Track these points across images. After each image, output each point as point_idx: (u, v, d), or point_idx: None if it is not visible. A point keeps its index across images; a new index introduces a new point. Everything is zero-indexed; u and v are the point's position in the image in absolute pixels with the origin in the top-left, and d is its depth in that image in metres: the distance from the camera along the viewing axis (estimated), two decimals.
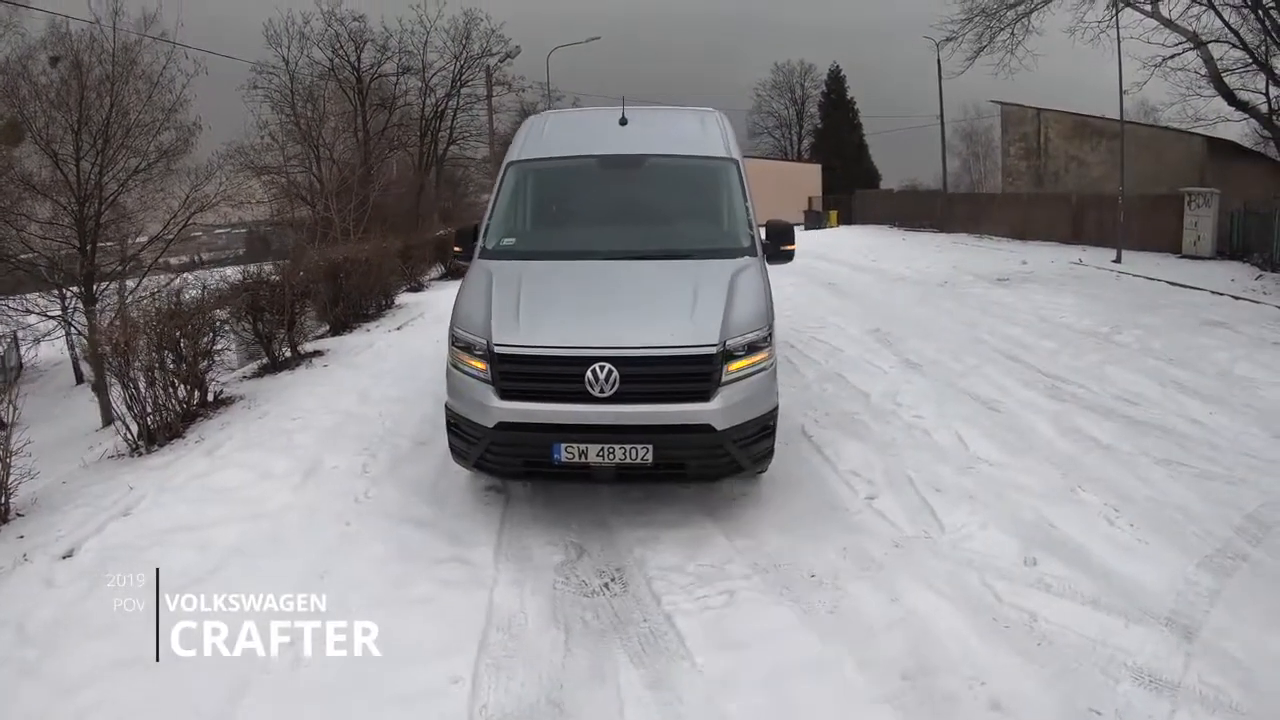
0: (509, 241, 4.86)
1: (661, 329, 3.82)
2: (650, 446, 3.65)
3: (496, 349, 3.80)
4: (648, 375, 3.69)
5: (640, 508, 4.12)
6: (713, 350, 3.72)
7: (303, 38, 26.96)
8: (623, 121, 5.18)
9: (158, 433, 5.84)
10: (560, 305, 4.12)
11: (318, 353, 8.63)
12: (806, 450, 4.94)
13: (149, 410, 5.80)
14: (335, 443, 5.37)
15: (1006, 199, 24.74)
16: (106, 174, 11.10)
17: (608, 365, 3.64)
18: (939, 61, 23.94)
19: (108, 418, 7.54)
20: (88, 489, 5.00)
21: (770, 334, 4.00)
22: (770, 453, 3.98)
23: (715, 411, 3.69)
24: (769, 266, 4.77)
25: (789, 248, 4.80)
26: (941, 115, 31.01)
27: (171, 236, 13.14)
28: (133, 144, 11.37)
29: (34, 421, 7.44)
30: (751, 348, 3.86)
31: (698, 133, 5.18)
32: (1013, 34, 15.85)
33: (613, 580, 3.49)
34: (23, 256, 11.79)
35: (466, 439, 3.96)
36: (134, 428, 5.79)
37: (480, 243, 4.78)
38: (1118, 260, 14.52)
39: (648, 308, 4.03)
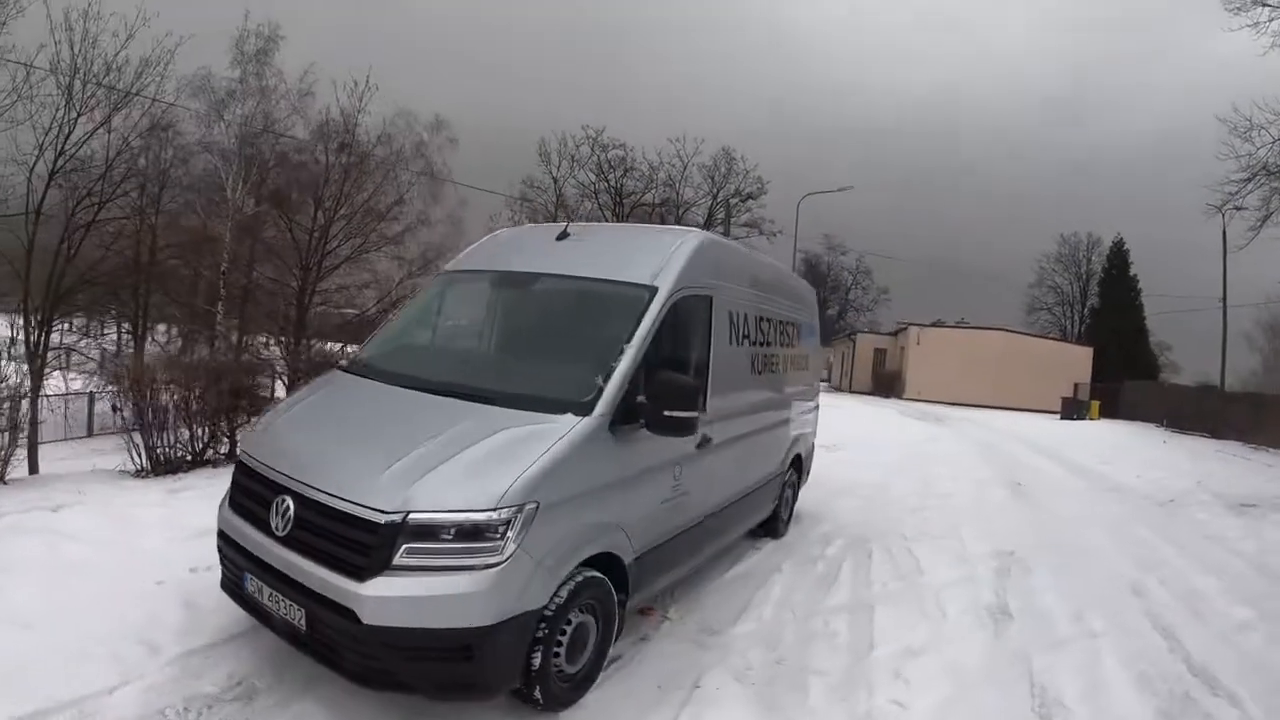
0: (366, 354, 4.14)
1: (349, 475, 2.88)
2: (304, 612, 2.80)
3: (238, 451, 3.45)
4: (316, 524, 2.85)
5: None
6: (381, 518, 2.68)
7: (573, 161, 30.54)
8: (562, 236, 4.30)
9: (157, 466, 6.19)
10: (309, 424, 3.48)
11: None
12: (663, 710, 3.21)
13: (154, 444, 6.13)
14: None
15: None
16: (330, 245, 12.93)
17: (289, 499, 2.95)
18: (1224, 231, 19.15)
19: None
20: (64, 485, 5.65)
21: (511, 521, 2.72)
22: (467, 686, 2.77)
23: (367, 599, 2.62)
24: (656, 437, 3.37)
25: (678, 415, 3.32)
26: (1224, 295, 24.87)
27: (372, 312, 14.83)
28: (357, 227, 13.20)
29: None
30: (466, 533, 2.68)
31: (635, 255, 3.97)
32: None
33: None
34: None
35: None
36: (142, 455, 6.15)
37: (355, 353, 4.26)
38: None
39: (370, 449, 3.06)
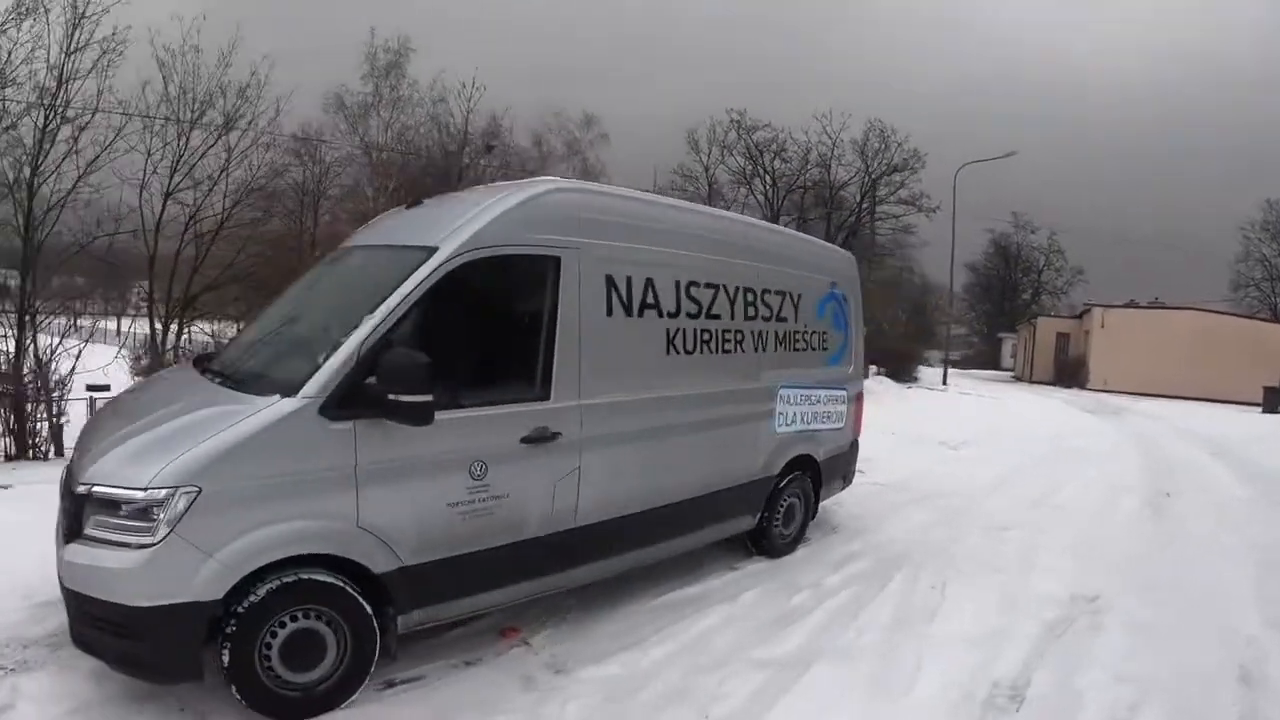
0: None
1: (85, 448, 2.94)
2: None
3: None
4: (63, 493, 2.85)
5: None
6: (78, 488, 2.62)
7: (723, 147, 29.18)
8: (413, 204, 3.91)
9: None
10: (110, 407, 3.64)
11: None
12: None
13: None
14: None
15: None
16: None
17: (67, 469, 2.97)
18: None
19: None
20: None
21: (164, 503, 2.43)
22: (140, 666, 2.58)
23: (63, 561, 2.61)
24: (435, 427, 2.78)
25: (404, 399, 2.67)
26: None
27: None
28: None
29: None
30: (134, 511, 2.45)
31: (452, 215, 3.30)
32: None
33: None
34: None
35: None
36: None
37: None
38: None
39: (111, 426, 2.97)
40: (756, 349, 4.54)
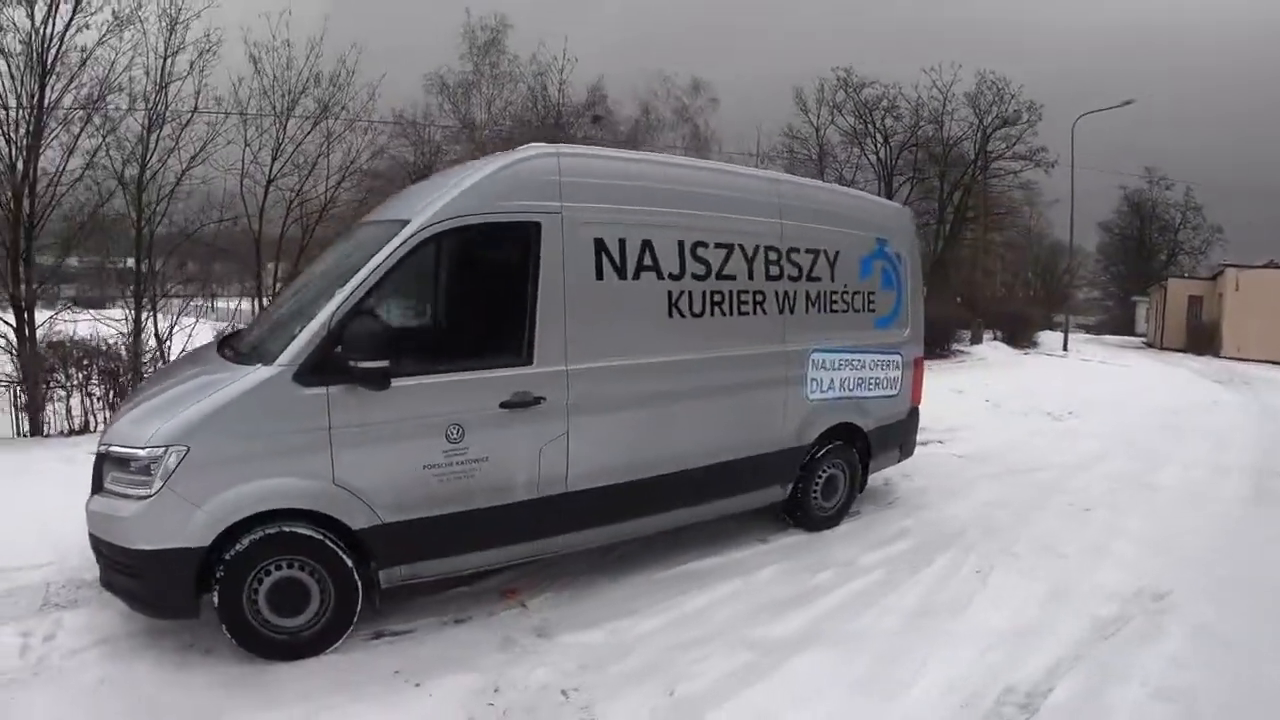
0: None
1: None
2: None
3: None
4: None
5: None
6: (100, 448, 2.97)
7: (832, 107, 27.65)
8: (419, 178, 3.98)
9: None
10: (144, 387, 3.87)
11: None
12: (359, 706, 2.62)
13: None
14: None
15: None
16: None
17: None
18: None
19: None
20: None
21: (158, 460, 2.73)
22: (146, 603, 2.91)
23: (88, 511, 2.93)
24: (403, 391, 2.98)
25: (361, 365, 2.86)
26: None
27: None
28: None
29: None
30: (139, 468, 2.75)
31: (441, 187, 3.37)
32: None
33: None
34: None
35: None
36: None
37: None
38: None
39: (137, 397, 3.37)
40: (781, 310, 4.28)
